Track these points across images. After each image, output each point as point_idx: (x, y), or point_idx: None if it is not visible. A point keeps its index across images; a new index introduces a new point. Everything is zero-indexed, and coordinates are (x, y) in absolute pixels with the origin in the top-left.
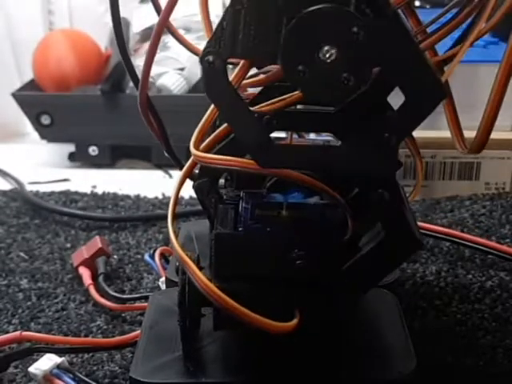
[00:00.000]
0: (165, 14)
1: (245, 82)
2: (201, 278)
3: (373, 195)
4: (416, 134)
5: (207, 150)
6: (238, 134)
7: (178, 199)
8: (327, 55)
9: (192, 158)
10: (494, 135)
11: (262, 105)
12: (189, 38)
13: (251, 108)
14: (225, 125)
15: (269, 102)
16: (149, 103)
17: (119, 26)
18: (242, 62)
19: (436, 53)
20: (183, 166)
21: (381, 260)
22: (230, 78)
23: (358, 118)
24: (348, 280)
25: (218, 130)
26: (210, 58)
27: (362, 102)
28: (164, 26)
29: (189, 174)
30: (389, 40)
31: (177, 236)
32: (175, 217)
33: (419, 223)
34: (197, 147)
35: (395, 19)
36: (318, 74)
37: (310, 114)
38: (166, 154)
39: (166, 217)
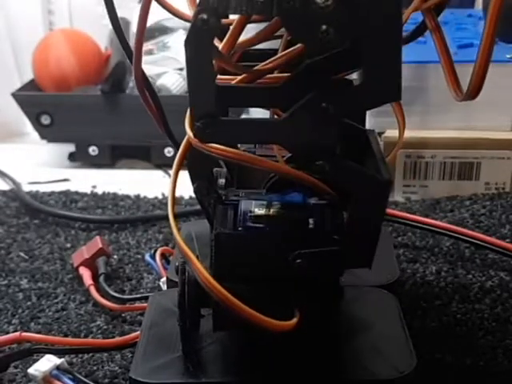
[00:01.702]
0: None
1: (239, 42)
2: (203, 272)
3: (313, 167)
4: (416, 134)
5: None
6: (193, 99)
7: (177, 181)
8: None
9: (186, 138)
10: (494, 135)
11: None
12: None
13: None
14: None
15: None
16: (145, 79)
17: (118, 24)
18: (234, 21)
19: None
20: (179, 145)
21: (363, 218)
22: (225, 39)
23: (302, 92)
24: (348, 253)
25: None
26: (205, 15)
27: (310, 75)
28: None
29: (185, 154)
30: (380, 21)
31: (179, 230)
32: (176, 215)
33: (421, 218)
34: (192, 128)
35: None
36: (304, 11)
37: (259, 89)
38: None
39: (166, 217)
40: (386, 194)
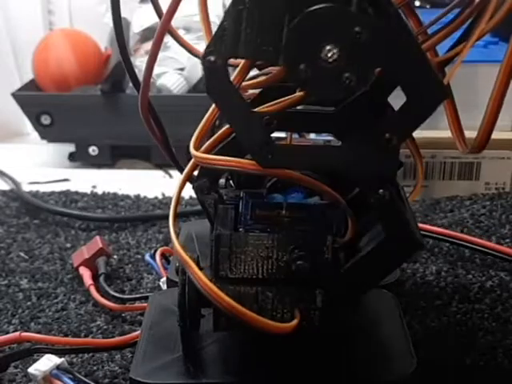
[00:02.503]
0: (167, 17)
1: (245, 83)
2: (201, 278)
3: (373, 196)
4: (416, 134)
5: (209, 151)
6: (239, 133)
7: (179, 202)
8: (329, 54)
9: (192, 160)
10: (494, 135)
11: (263, 106)
12: (189, 38)
13: (252, 109)
14: (227, 126)
15: (270, 103)
16: (150, 108)
17: (120, 26)
18: (242, 62)
19: (437, 54)
20: (183, 169)
21: (381, 261)
22: (231, 79)
23: (358, 118)
24: (348, 280)
25: (220, 131)
26: (212, 57)
27: (362, 101)
28: (166, 30)
29: (189, 177)
30: (391, 40)
31: (178, 236)
32: (177, 217)
33: (419, 224)
34: (197, 148)
35: (397, 19)
36: (319, 73)
37: (310, 114)
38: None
39: (166, 217)
40: (411, 254)
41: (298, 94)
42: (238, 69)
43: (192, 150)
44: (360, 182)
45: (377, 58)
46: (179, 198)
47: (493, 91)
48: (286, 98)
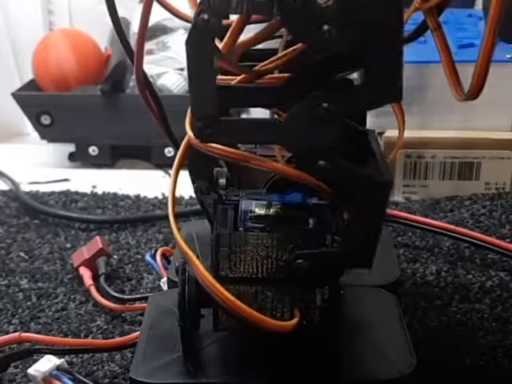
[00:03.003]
0: None
1: (240, 41)
2: (204, 272)
3: (314, 168)
4: (416, 134)
5: None
6: (193, 99)
7: (177, 182)
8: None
9: (186, 137)
10: (494, 135)
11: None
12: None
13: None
14: None
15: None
16: (146, 79)
17: (116, 15)
18: (234, 22)
19: None
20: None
21: (363, 219)
22: (225, 39)
23: (303, 92)
24: (349, 253)
25: None
26: (205, 15)
27: (310, 76)
28: None
29: (185, 154)
30: (382, 21)
31: (179, 230)
32: (175, 202)
33: (422, 218)
34: (192, 128)
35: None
36: (306, 11)
37: (259, 88)
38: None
39: (166, 217)
40: (386, 195)
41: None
42: (230, 30)
43: (188, 131)
44: (299, 155)
45: (363, 25)
46: (177, 178)
47: (484, 33)
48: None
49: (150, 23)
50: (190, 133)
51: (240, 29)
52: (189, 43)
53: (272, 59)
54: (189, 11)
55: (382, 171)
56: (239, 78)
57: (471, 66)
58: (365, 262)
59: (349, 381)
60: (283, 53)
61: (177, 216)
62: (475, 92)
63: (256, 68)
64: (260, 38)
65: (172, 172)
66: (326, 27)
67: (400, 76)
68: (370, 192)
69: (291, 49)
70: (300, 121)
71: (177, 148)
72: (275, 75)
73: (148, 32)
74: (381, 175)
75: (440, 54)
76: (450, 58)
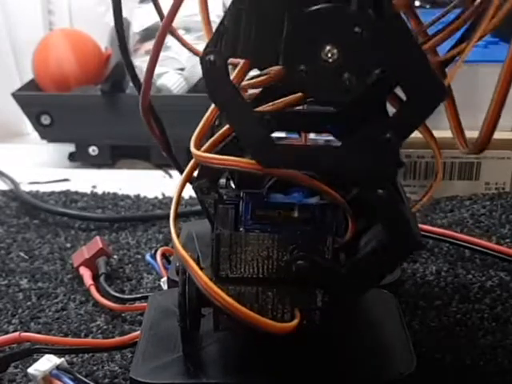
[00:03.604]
0: (168, 19)
1: (245, 82)
2: (202, 277)
3: (372, 195)
4: (416, 134)
5: (209, 150)
6: (240, 133)
7: (179, 202)
8: (329, 55)
9: (193, 160)
10: (494, 135)
11: (263, 106)
12: (189, 38)
13: (252, 108)
14: (227, 125)
15: (269, 103)
16: (151, 109)
17: (121, 26)
18: (241, 62)
19: (437, 54)
20: (183, 170)
21: (380, 260)
22: (233, 75)
23: (357, 117)
24: (348, 280)
25: (220, 131)
26: (211, 57)
27: (362, 101)
28: (167, 31)
29: (190, 177)
30: (391, 41)
31: (178, 236)
32: (177, 218)
33: (422, 226)
34: (197, 147)
35: (397, 19)
36: (319, 73)
37: (310, 114)
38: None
39: (166, 217)
40: (410, 254)
41: (298, 94)
42: (237, 68)
43: (193, 149)
44: (359, 183)
45: (376, 58)
46: (180, 198)
47: (494, 92)
48: (286, 98)
49: (150, 23)
50: (194, 151)
51: (245, 72)
52: (209, 87)
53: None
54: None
55: (414, 229)
56: (279, 102)
57: (472, 66)
58: (361, 290)
59: (349, 381)
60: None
61: (177, 216)
62: (481, 147)
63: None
64: (264, 82)
65: (174, 193)
66: (346, 75)
67: (434, 75)
68: (400, 245)
69: None
70: (361, 149)
71: (180, 171)
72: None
73: (148, 32)
74: (419, 234)
75: (447, 114)
76: (456, 115)
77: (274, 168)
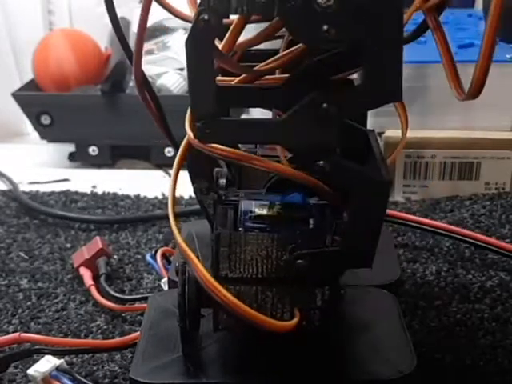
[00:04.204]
0: None
1: (240, 41)
2: (203, 272)
3: (313, 168)
4: (416, 133)
5: None
6: (193, 99)
7: (177, 181)
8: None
9: (186, 138)
10: (494, 135)
11: (224, 78)
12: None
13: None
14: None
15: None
16: (145, 80)
17: (115, 15)
18: (234, 22)
19: None
20: (179, 147)
21: (363, 218)
22: (225, 39)
23: (302, 92)
24: (349, 253)
25: None
26: (206, 15)
27: (309, 76)
28: None
29: (185, 154)
30: (382, 21)
31: (179, 229)
32: (175, 202)
33: (422, 219)
34: (192, 128)
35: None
36: (306, 11)
37: (260, 89)
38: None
39: (166, 217)
40: (386, 195)
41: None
42: (230, 29)
43: (188, 131)
44: (298, 155)
45: (363, 25)
46: (177, 177)
47: (484, 33)
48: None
49: (150, 23)
50: (189, 133)
51: (240, 28)
52: (189, 43)
53: (272, 59)
54: (188, 11)
55: (381, 171)
56: (239, 78)
57: (471, 66)
58: (364, 261)
59: (349, 381)
60: (283, 53)
61: (177, 216)
62: (476, 91)
63: (256, 68)
64: (261, 38)
65: (172, 172)
66: (325, 27)
67: (400, 75)
68: (370, 191)
69: (291, 49)
70: (299, 121)
71: (176, 148)
72: (275, 76)
73: (148, 32)
74: (380, 174)
75: (440, 54)
76: (450, 57)
77: (208, 142)
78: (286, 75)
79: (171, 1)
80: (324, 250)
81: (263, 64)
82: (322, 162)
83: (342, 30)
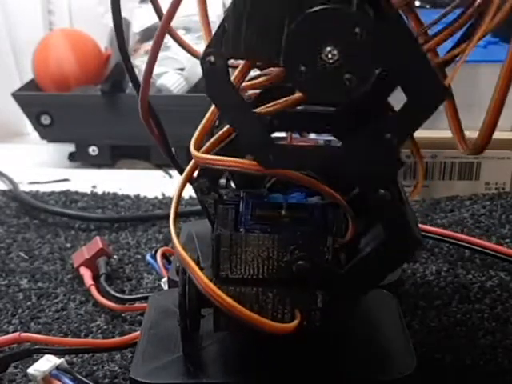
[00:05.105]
0: (167, 18)
1: (246, 83)
2: (202, 278)
3: (373, 196)
4: (416, 133)
5: (209, 151)
6: (240, 134)
7: (179, 203)
8: (329, 56)
9: (193, 160)
10: (494, 135)
11: (263, 106)
12: (188, 38)
13: (252, 109)
14: (227, 126)
15: (270, 104)
16: (150, 110)
17: (120, 27)
18: (242, 62)
19: (437, 54)
20: (183, 170)
21: (381, 261)
22: (233, 76)
23: (358, 118)
24: (348, 281)
25: (220, 131)
26: (212, 58)
27: (362, 102)
28: (165, 31)
29: (190, 177)
30: (391, 41)
31: (178, 236)
32: (177, 218)
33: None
34: (197, 148)
35: (398, 20)
36: (319, 74)
37: (311, 114)
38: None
39: (166, 217)
40: (411, 254)
41: (298, 95)
42: (238, 69)
43: (192, 151)
44: (360, 183)
45: (376, 58)
46: (179, 198)
47: (494, 92)
48: (286, 98)
49: (150, 23)
50: (194, 152)
51: (246, 72)
52: (208, 88)
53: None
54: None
55: (415, 230)
56: (279, 103)
57: (472, 66)
58: (361, 291)
59: (349, 381)
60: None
61: (177, 218)
62: (481, 147)
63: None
64: (268, 82)
65: (175, 192)
66: (346, 76)
67: (435, 75)
68: (402, 242)
69: None
70: (361, 150)
71: (180, 172)
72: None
73: (148, 32)
74: (419, 234)
75: (447, 114)
76: (456, 116)
77: (273, 169)
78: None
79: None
80: (324, 250)
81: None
82: (383, 192)
83: (362, 73)
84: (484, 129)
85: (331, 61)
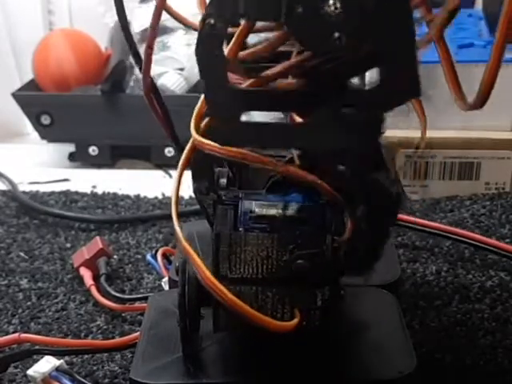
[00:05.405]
0: None
1: (246, 52)
2: (204, 271)
3: (333, 172)
4: (416, 134)
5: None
6: (211, 103)
7: (180, 184)
8: (332, 8)
9: (191, 140)
10: (494, 135)
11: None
12: (189, 37)
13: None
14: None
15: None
16: (153, 88)
17: (124, 16)
18: (239, 29)
19: None
20: (183, 149)
21: (371, 229)
22: (230, 45)
23: (321, 95)
24: (352, 259)
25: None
26: (212, 20)
27: (327, 79)
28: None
29: (189, 158)
30: (393, 20)
31: (181, 227)
32: (178, 202)
33: (421, 220)
34: (197, 131)
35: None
36: (314, 19)
37: (276, 92)
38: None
39: (166, 217)
40: (398, 206)
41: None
42: (235, 35)
43: (193, 133)
44: (320, 159)
45: (374, 30)
46: (181, 179)
47: (494, 42)
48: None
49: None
50: (194, 134)
51: (245, 35)
52: (198, 50)
53: (283, 64)
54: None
55: (395, 182)
56: (250, 81)
57: (471, 66)
58: (367, 265)
59: (349, 381)
60: (293, 59)
61: (179, 215)
62: (481, 102)
63: (265, 73)
64: (269, 47)
65: (176, 174)
66: (336, 35)
67: (416, 70)
68: (384, 201)
69: (303, 55)
70: (323, 125)
71: (181, 151)
72: (285, 81)
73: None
74: (393, 186)
75: (443, 68)
76: (453, 73)
77: (233, 146)
78: (293, 80)
79: (175, 4)
80: (324, 250)
81: (273, 69)
82: (343, 167)
83: (353, 36)
84: (484, 83)
85: (332, 14)
